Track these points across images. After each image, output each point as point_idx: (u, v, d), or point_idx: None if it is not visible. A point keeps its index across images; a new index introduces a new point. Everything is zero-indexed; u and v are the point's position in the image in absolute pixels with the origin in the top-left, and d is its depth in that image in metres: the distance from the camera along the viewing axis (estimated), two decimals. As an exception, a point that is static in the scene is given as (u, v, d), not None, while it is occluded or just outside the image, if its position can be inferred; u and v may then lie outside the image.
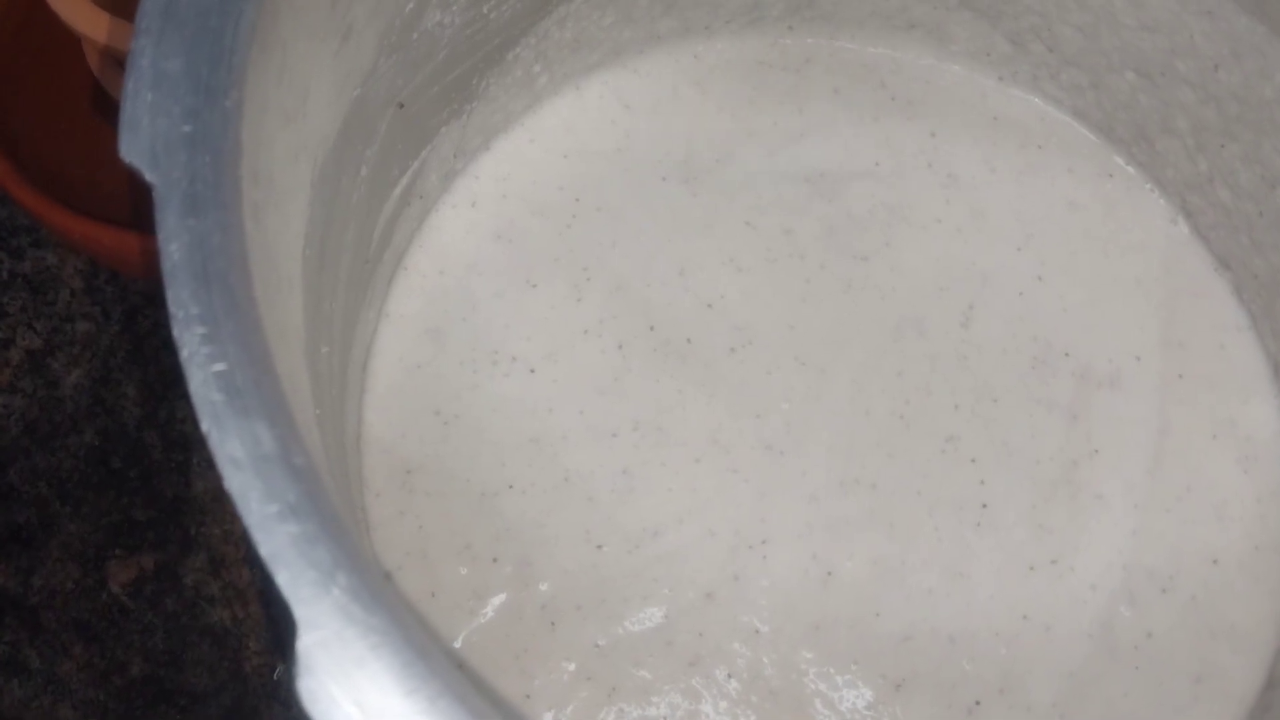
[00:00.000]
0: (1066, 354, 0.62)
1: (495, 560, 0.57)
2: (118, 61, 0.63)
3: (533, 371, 0.60)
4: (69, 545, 0.66)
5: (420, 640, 0.32)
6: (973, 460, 0.60)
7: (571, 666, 0.56)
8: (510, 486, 0.58)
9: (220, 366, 0.33)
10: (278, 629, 0.65)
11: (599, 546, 0.57)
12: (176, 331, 0.34)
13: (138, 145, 0.35)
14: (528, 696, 0.55)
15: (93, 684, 0.64)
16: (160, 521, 0.67)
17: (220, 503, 0.66)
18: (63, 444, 0.68)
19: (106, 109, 0.68)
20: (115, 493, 0.67)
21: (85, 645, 0.65)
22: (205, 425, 0.33)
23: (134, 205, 0.65)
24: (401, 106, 0.53)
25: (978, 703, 0.56)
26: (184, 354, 0.33)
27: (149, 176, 0.35)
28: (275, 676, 0.64)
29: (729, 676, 0.56)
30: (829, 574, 0.57)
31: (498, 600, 0.56)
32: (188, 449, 0.67)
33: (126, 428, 0.68)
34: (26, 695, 0.64)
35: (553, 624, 0.56)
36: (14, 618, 0.65)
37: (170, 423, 0.68)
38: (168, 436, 0.68)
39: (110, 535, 0.66)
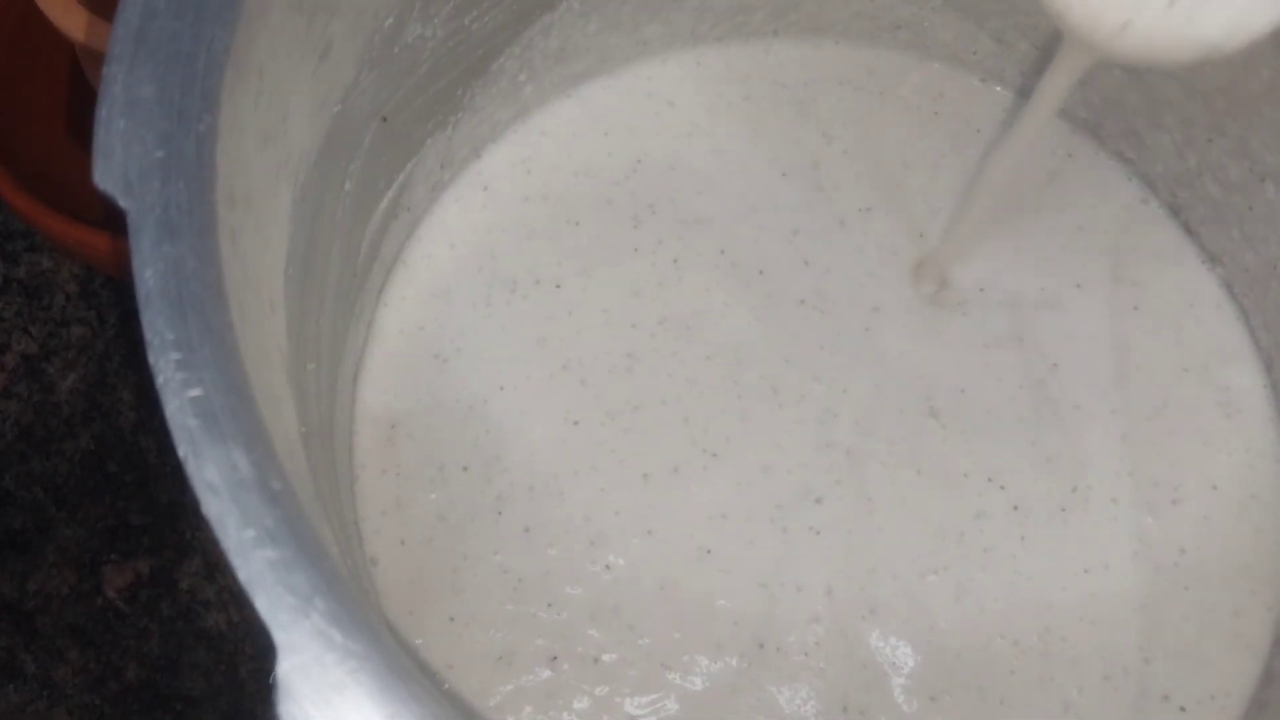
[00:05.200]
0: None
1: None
2: (99, 59, 0.63)
3: (516, 390, 0.60)
4: (65, 550, 0.66)
5: (400, 663, 0.33)
6: (960, 433, 0.60)
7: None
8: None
9: (196, 392, 0.34)
10: (273, 648, 0.65)
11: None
12: (152, 358, 0.34)
13: (111, 172, 0.35)
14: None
15: (88, 689, 0.65)
16: (156, 526, 0.67)
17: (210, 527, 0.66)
18: (58, 449, 0.68)
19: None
20: (111, 498, 0.67)
21: (81, 650, 0.65)
22: (182, 451, 0.33)
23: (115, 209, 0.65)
24: (385, 120, 0.53)
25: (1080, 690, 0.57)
26: (159, 380, 0.34)
27: (123, 203, 0.35)
28: (271, 681, 0.65)
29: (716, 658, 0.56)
30: (871, 611, 0.58)
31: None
32: (183, 454, 0.67)
33: (122, 432, 0.68)
34: (22, 700, 0.64)
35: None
36: (9, 623, 0.65)
37: (166, 427, 0.68)
38: (163, 441, 0.67)
39: (106, 540, 0.66)
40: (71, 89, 0.69)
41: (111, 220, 0.61)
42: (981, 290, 0.63)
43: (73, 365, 0.69)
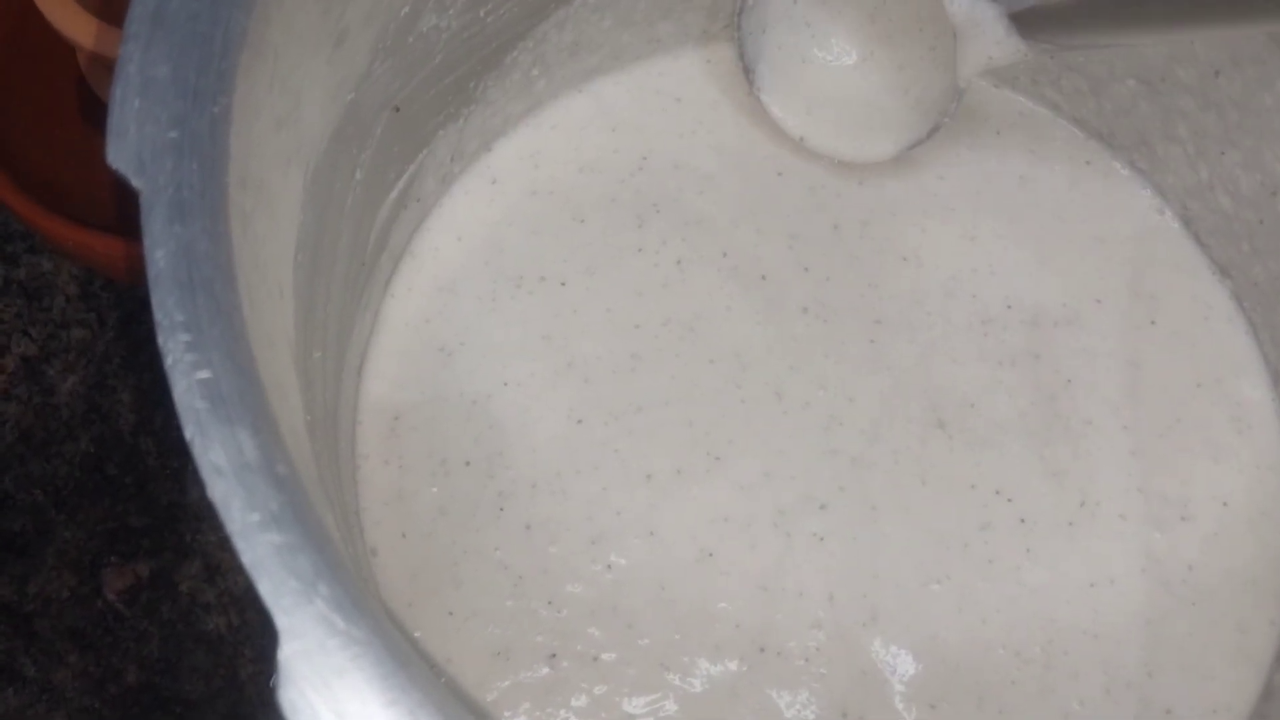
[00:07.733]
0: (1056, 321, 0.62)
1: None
2: (107, 66, 0.63)
3: (520, 386, 0.60)
4: (64, 553, 0.66)
5: (401, 650, 0.32)
6: (967, 445, 0.60)
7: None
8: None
9: (204, 374, 0.33)
10: (273, 636, 0.64)
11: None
12: (161, 339, 0.34)
13: (125, 152, 0.35)
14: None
15: (88, 692, 0.64)
16: (156, 528, 0.66)
17: (215, 509, 0.66)
18: (58, 451, 0.68)
19: (99, 116, 0.68)
20: (110, 500, 0.67)
21: (80, 653, 0.65)
22: (189, 433, 0.33)
23: (120, 210, 0.65)
24: (397, 110, 0.53)
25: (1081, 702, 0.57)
26: (168, 361, 0.33)
27: (135, 183, 0.35)
28: (271, 684, 0.64)
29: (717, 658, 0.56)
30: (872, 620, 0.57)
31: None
32: (183, 455, 0.67)
33: (122, 434, 0.68)
34: (21, 703, 0.64)
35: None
36: (9, 625, 0.65)
37: (166, 429, 0.68)
38: (163, 443, 0.67)
39: (106, 542, 0.66)
40: (72, 92, 0.69)
41: (112, 222, 0.61)
42: (1009, 308, 0.62)
43: (72, 367, 0.69)
